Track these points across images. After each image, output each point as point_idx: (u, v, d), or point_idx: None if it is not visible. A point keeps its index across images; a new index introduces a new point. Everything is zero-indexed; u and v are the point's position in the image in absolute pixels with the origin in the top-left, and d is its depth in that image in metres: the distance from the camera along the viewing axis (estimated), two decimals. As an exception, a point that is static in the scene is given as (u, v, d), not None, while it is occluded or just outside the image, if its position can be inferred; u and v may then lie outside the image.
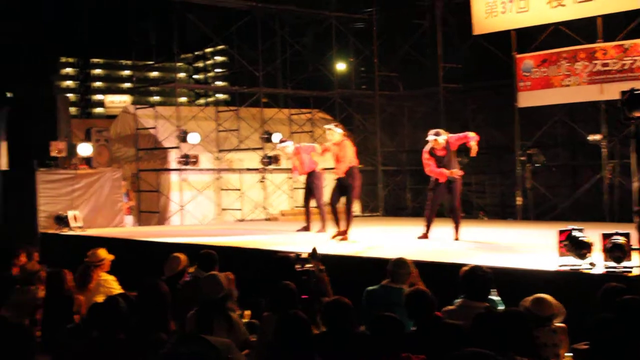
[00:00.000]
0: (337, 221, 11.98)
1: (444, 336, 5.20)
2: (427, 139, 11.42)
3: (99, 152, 16.60)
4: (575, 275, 7.33)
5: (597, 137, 15.40)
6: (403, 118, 19.76)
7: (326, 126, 12.17)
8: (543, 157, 16.55)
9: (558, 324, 5.49)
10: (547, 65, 15.93)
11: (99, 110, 73.79)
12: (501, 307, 6.04)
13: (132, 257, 11.58)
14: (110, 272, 8.70)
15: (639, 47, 14.51)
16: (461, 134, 11.49)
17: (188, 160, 17.51)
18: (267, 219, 18.44)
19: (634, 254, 7.14)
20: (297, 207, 19.34)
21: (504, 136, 17.43)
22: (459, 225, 11.35)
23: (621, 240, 7.23)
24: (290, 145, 13.81)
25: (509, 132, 16.93)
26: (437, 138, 11.26)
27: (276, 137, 18.27)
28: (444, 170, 11.20)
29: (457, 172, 11.27)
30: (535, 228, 13.77)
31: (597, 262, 7.38)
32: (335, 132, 11.81)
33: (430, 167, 11.33)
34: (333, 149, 11.89)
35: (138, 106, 19.87)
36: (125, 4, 20.76)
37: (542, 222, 15.28)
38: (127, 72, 70.58)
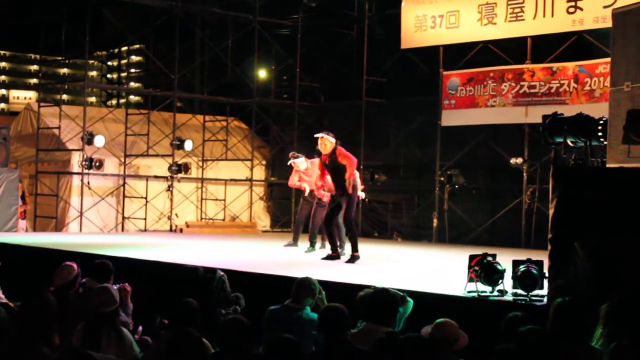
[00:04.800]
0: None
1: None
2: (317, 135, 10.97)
3: (-4, 150, 15.63)
4: (481, 302, 7.05)
5: (519, 160, 15.14)
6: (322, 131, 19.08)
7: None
8: (463, 179, 16.16)
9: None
10: (474, 84, 15.58)
11: (1, 105, 71.07)
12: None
13: (21, 264, 10.81)
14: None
15: (568, 70, 14.30)
16: (350, 157, 10.72)
17: (92, 164, 16.47)
18: (172, 230, 17.52)
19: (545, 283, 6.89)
20: (204, 218, 18.48)
21: (424, 155, 16.97)
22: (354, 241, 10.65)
23: (533, 267, 6.96)
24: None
25: (430, 151, 16.48)
26: (328, 136, 10.75)
27: (188, 145, 17.42)
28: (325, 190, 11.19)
29: (326, 194, 11.21)
30: (449, 251, 13.45)
31: (507, 290, 7.11)
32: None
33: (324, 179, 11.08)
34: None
35: (43, 104, 18.71)
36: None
37: (456, 245, 14.92)
38: (34, 67, 68.21)
